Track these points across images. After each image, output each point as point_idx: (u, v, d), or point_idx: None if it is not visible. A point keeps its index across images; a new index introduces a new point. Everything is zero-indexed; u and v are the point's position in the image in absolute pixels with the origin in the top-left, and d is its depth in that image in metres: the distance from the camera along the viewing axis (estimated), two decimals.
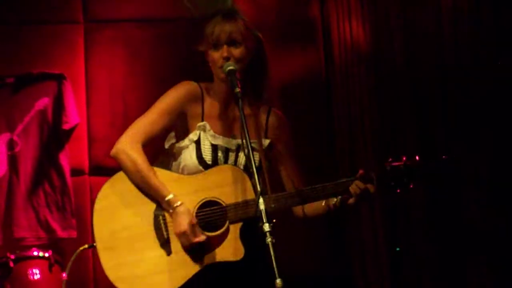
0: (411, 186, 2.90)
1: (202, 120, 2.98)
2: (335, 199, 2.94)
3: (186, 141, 2.98)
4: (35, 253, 4.29)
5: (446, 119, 4.91)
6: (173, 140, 3.04)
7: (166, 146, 3.06)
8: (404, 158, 2.91)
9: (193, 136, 2.97)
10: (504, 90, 4.84)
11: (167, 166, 3.03)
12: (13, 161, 4.87)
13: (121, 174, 2.95)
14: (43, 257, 4.28)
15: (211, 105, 3.01)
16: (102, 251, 2.89)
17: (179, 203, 2.83)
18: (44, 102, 4.93)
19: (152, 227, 2.88)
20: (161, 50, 5.06)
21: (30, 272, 4.24)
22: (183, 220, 2.80)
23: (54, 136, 4.92)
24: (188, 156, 2.95)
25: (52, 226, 4.84)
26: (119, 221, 2.89)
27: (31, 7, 5.00)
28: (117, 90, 5.07)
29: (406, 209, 4.98)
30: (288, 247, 3.40)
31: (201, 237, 2.80)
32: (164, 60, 5.02)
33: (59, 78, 4.94)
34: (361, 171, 2.89)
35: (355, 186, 2.87)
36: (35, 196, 4.86)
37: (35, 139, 4.90)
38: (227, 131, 3.00)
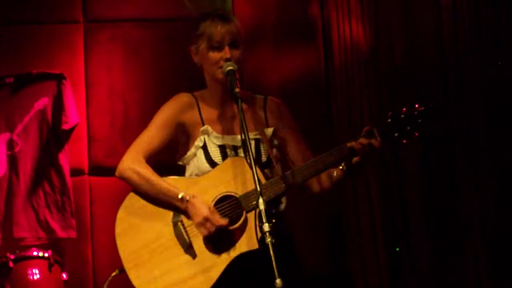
0: (417, 135, 2.85)
1: (203, 124, 3.00)
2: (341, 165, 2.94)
3: (192, 150, 3.01)
4: (35, 253, 4.27)
5: (447, 119, 4.87)
6: (183, 155, 3.07)
7: (180, 162, 3.09)
8: (404, 109, 2.88)
9: (198, 142, 3.00)
10: (504, 90, 4.86)
11: None
12: (12, 161, 4.87)
13: (131, 195, 3.00)
14: (43, 257, 4.26)
15: (208, 109, 3.04)
16: (130, 271, 2.92)
17: (192, 195, 2.85)
18: (43, 102, 4.92)
19: (173, 235, 2.90)
20: (161, 50, 5.06)
21: (30, 272, 4.22)
22: (200, 208, 2.83)
23: (54, 136, 4.91)
24: (198, 163, 2.98)
25: (52, 226, 4.83)
26: (140, 238, 2.92)
27: (30, 7, 4.99)
28: (116, 90, 5.06)
29: (405, 207, 4.99)
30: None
31: (224, 221, 2.81)
32: (164, 60, 5.02)
33: (59, 78, 4.93)
34: (365, 129, 2.88)
35: (359, 144, 2.84)
36: (34, 196, 4.85)
37: (35, 139, 4.90)
38: (230, 130, 3.02)
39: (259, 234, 2.74)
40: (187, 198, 2.86)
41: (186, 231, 2.89)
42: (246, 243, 2.81)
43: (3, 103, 4.91)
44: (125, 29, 5.11)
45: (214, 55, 2.96)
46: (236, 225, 2.83)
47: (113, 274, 3.38)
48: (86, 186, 4.99)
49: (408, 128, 2.85)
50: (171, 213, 2.92)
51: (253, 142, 2.97)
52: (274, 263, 2.48)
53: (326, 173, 3.00)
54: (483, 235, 4.84)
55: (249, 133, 2.93)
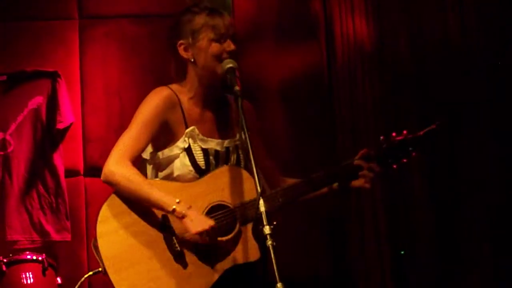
0: (405, 161, 3.00)
1: (186, 124, 2.93)
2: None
3: (175, 150, 2.92)
4: (29, 257, 4.24)
5: (452, 117, 4.86)
6: (151, 150, 2.98)
7: (145, 156, 2.98)
8: (394, 134, 2.99)
9: (182, 144, 2.92)
10: (507, 90, 4.85)
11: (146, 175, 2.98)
12: (5, 162, 4.84)
13: (117, 193, 2.87)
14: (37, 260, 4.23)
15: (190, 107, 2.97)
16: (114, 275, 2.77)
17: (187, 207, 2.75)
18: (37, 101, 4.89)
19: (163, 242, 2.80)
20: (157, 46, 4.98)
21: (23, 276, 4.19)
22: (200, 220, 2.73)
23: (48, 136, 4.88)
24: (181, 165, 2.90)
25: (46, 228, 4.80)
26: (126, 241, 2.80)
27: (24, 3, 4.97)
28: (112, 88, 5.04)
29: (409, 209, 4.99)
30: (288, 247, 3.39)
31: (221, 238, 2.77)
32: (160, 56, 4.95)
33: (53, 76, 4.91)
34: (363, 151, 2.99)
35: (362, 167, 2.97)
36: (28, 197, 4.82)
37: (29, 139, 4.87)
38: (215, 133, 2.97)
39: (257, 248, 2.77)
40: (183, 212, 2.74)
41: (177, 238, 2.80)
42: (240, 256, 2.78)
43: None
44: (121, 26, 5.09)
45: (217, 47, 2.91)
46: (229, 237, 2.78)
47: (86, 276, 3.21)
48: (81, 187, 4.96)
49: (400, 154, 3.00)
50: (159, 218, 2.82)
51: (235, 150, 2.96)
52: (275, 266, 2.43)
53: None
54: (488, 237, 4.82)
55: (230, 139, 2.96)
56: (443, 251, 4.89)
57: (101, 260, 2.79)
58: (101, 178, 2.86)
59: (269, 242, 2.47)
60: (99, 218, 2.81)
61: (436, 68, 4.98)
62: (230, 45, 2.91)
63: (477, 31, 4.93)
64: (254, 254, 2.77)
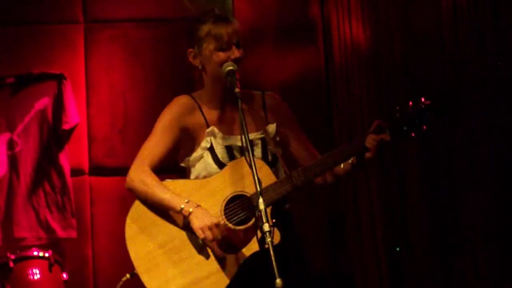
0: (425, 128, 2.89)
1: (207, 127, 2.99)
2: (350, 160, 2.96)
3: (199, 151, 3.00)
4: (35, 253, 4.28)
5: (447, 119, 4.84)
6: (187, 157, 3.05)
7: (183, 164, 3.08)
8: (411, 103, 2.91)
9: (204, 144, 2.99)
10: (503, 90, 4.85)
11: None
12: (13, 161, 4.87)
13: (138, 198, 2.98)
14: (43, 257, 4.27)
15: (209, 110, 3.03)
16: (144, 274, 2.89)
17: (196, 205, 2.83)
18: (44, 102, 4.93)
19: (185, 237, 2.90)
20: (161, 50, 5.05)
21: (30, 272, 4.23)
22: (204, 217, 2.80)
23: (54, 136, 4.91)
24: (206, 164, 2.97)
25: (52, 226, 4.83)
26: (152, 241, 2.91)
27: (31, 7, 4.99)
28: (117, 90, 5.06)
29: (405, 207, 4.99)
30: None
31: (229, 227, 2.80)
32: (164, 60, 5.02)
33: (59, 78, 4.94)
34: (374, 124, 2.90)
35: (371, 140, 2.87)
36: (35, 196, 4.85)
37: (35, 139, 4.90)
38: (232, 131, 3.01)
39: (277, 232, 2.75)
40: (190, 210, 2.83)
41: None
42: (262, 241, 2.77)
43: (4, 103, 4.92)
44: (125, 29, 5.11)
45: (221, 56, 2.94)
46: (248, 225, 2.83)
47: (124, 279, 3.30)
48: (86, 186, 4.99)
49: (417, 121, 2.89)
50: (181, 215, 2.90)
51: (259, 142, 2.98)
52: (274, 262, 2.47)
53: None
54: (483, 234, 4.83)
55: (254, 133, 2.97)
56: (440, 248, 4.89)
57: (132, 264, 2.90)
58: (125, 186, 2.99)
59: (268, 239, 2.50)
60: (126, 226, 2.94)
61: (430, 71, 4.98)
62: (234, 53, 2.92)
63: (471, 36, 4.93)
64: (274, 239, 2.69)
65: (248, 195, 2.87)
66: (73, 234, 4.85)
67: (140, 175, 2.95)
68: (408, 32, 5.08)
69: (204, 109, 3.03)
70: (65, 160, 4.91)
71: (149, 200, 2.94)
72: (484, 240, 4.83)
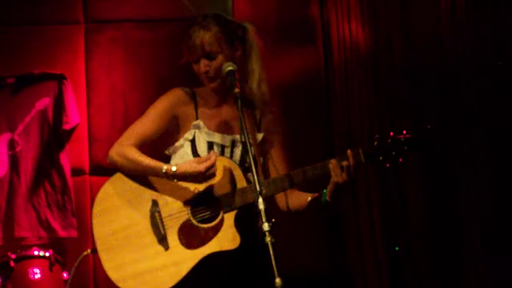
0: (401, 160, 2.88)
1: (196, 120, 3.02)
2: (316, 194, 2.96)
3: (181, 141, 3.03)
4: (36, 253, 4.30)
5: (446, 120, 4.90)
6: (171, 146, 3.08)
7: (166, 152, 3.10)
8: (392, 134, 2.91)
9: (188, 135, 3.02)
10: (503, 91, 4.85)
11: None
12: (13, 161, 4.88)
13: (118, 175, 3.00)
14: (44, 256, 4.29)
15: (205, 105, 3.06)
16: (102, 253, 2.94)
17: (175, 165, 2.87)
18: (44, 102, 4.94)
19: (149, 225, 2.92)
20: (161, 50, 5.06)
21: (31, 271, 4.24)
22: (187, 164, 2.84)
23: (55, 136, 4.92)
24: (183, 154, 3.00)
25: (53, 225, 4.85)
26: (117, 222, 2.95)
27: (31, 8, 5.00)
28: (117, 90, 5.08)
29: (404, 207, 5.00)
30: (287, 245, 3.42)
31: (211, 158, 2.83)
32: (164, 60, 5.03)
33: (60, 78, 4.95)
34: (349, 150, 2.89)
35: (331, 165, 2.87)
36: (35, 195, 4.86)
37: (36, 139, 4.91)
38: (222, 128, 3.03)
39: (238, 236, 2.81)
40: (173, 170, 2.85)
41: (162, 223, 2.91)
42: (219, 243, 2.84)
43: (4, 103, 4.93)
44: (126, 30, 5.12)
45: (195, 67, 2.99)
46: (211, 225, 2.87)
47: (85, 253, 3.55)
48: (86, 186, 5.01)
49: (393, 153, 2.88)
50: (149, 203, 2.93)
51: (240, 145, 3.00)
52: (274, 262, 2.48)
53: (297, 194, 3.03)
54: (483, 235, 4.83)
55: (236, 135, 3.00)
56: (440, 249, 4.90)
57: (93, 238, 2.96)
58: (107, 161, 3.00)
59: (268, 239, 2.51)
60: (96, 199, 2.98)
61: (430, 72, 4.99)
62: (200, 67, 2.95)
63: (470, 36, 4.92)
64: (233, 242, 2.82)
65: (217, 195, 2.90)
66: (74, 233, 4.87)
67: (122, 149, 2.95)
68: (407, 32, 5.08)
69: (199, 104, 3.05)
70: (66, 160, 4.92)
71: (127, 168, 2.95)
72: (484, 240, 4.82)
